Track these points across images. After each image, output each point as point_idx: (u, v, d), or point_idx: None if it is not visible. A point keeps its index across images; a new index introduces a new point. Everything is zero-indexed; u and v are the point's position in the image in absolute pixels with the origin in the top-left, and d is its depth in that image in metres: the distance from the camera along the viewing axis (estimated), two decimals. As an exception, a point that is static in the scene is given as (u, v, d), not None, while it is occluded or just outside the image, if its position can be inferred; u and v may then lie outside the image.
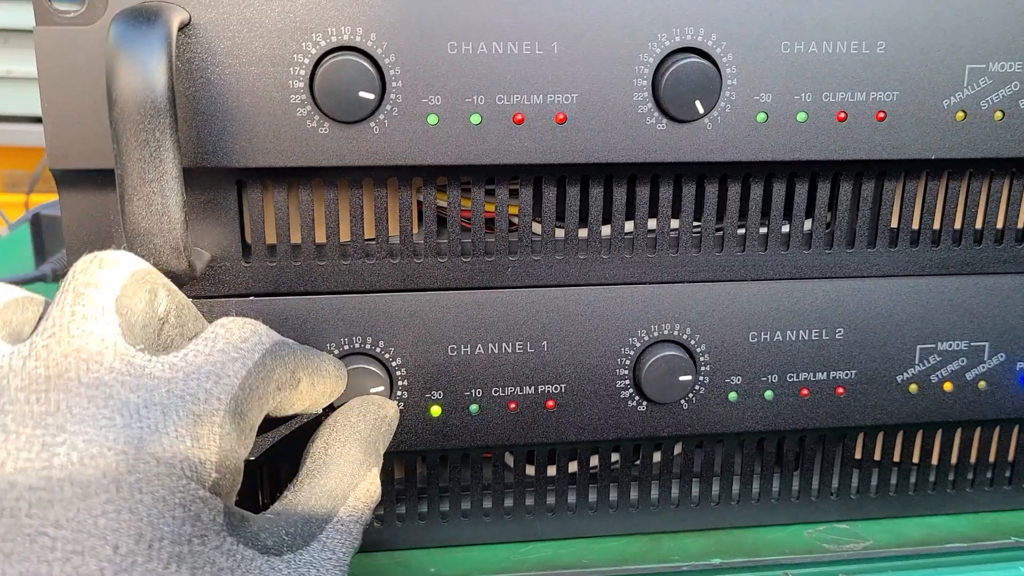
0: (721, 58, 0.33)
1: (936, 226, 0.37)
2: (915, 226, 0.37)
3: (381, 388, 0.34)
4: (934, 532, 0.39)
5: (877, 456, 0.40)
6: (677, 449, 0.39)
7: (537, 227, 0.35)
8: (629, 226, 0.36)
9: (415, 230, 0.35)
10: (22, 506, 0.22)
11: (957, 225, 0.37)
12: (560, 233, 0.35)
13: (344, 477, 0.29)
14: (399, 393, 0.35)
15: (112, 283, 0.26)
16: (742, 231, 0.36)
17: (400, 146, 0.32)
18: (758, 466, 0.39)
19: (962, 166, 0.36)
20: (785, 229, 0.36)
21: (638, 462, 0.38)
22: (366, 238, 0.35)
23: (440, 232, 0.35)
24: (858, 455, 0.40)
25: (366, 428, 0.31)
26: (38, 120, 1.75)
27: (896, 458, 0.40)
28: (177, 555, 0.23)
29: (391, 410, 0.33)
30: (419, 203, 0.35)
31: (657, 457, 0.38)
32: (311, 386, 0.30)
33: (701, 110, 0.33)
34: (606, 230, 0.35)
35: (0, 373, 0.24)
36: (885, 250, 0.37)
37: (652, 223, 0.36)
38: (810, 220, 0.37)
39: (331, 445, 0.30)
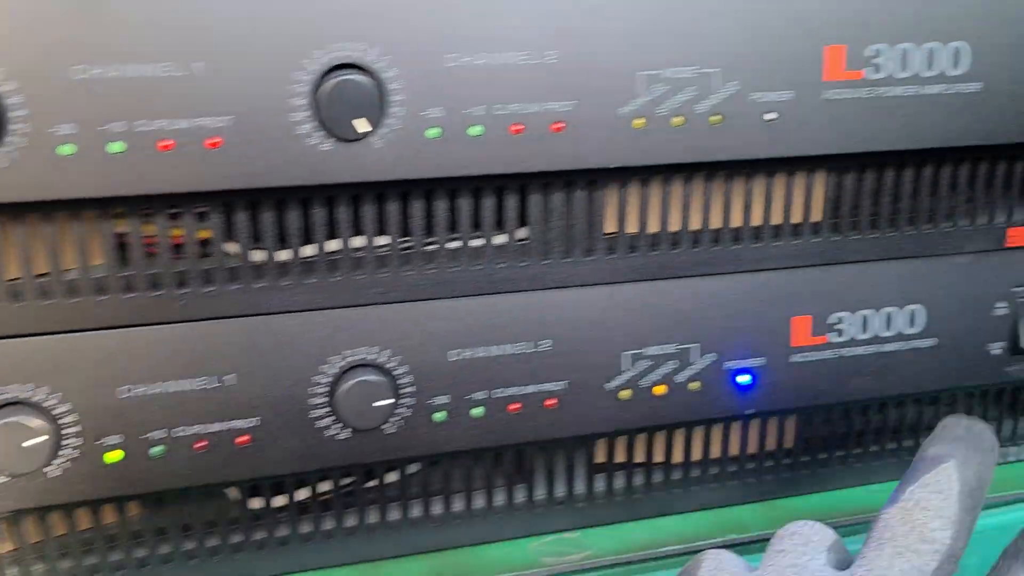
0: (383, 73, 0.31)
1: (634, 231, 0.37)
2: (610, 231, 0.37)
3: (45, 438, 0.32)
4: (657, 536, 0.39)
5: (601, 459, 0.40)
6: (413, 468, 0.38)
7: (215, 257, 0.33)
8: (309, 250, 0.34)
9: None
10: None
11: (655, 229, 0.37)
12: (237, 260, 0.33)
13: None
14: (69, 441, 0.33)
15: None
16: (434, 247, 0.35)
17: (33, 178, 0.30)
18: (482, 481, 0.39)
19: (647, 172, 0.36)
20: (477, 243, 0.35)
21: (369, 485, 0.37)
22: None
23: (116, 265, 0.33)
24: (595, 460, 0.40)
25: None
26: None
27: (622, 460, 0.40)
28: None
29: None
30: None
31: (375, 481, 0.37)
32: None
33: (366, 128, 0.31)
34: (284, 254, 0.34)
35: None
36: (583, 259, 0.36)
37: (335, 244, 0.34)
38: (505, 234, 0.36)
39: None
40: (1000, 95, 0.37)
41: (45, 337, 0.32)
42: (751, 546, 0.39)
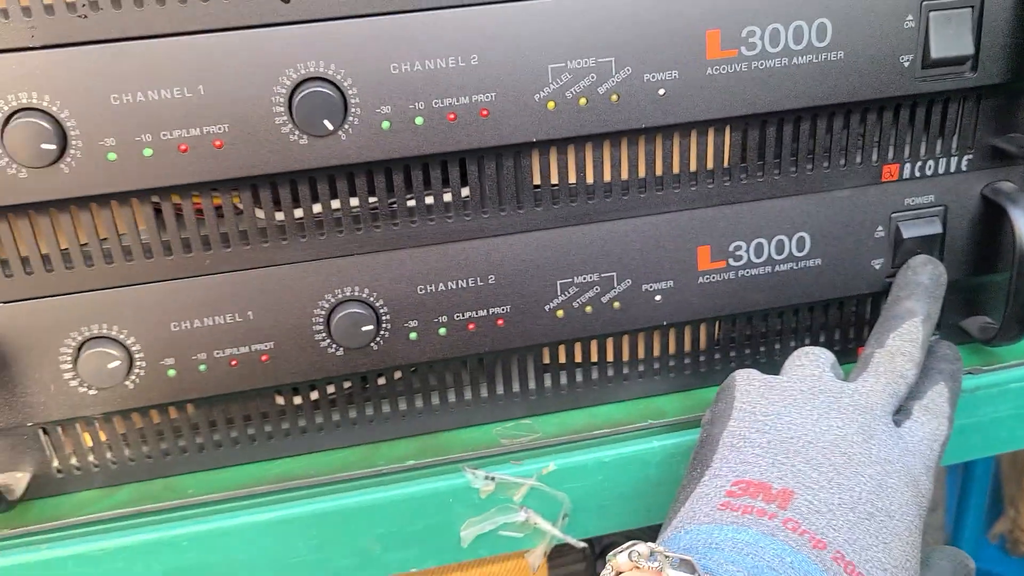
0: (343, 83, 0.41)
1: (557, 184, 0.46)
2: (536, 186, 0.46)
3: (119, 363, 0.44)
4: (594, 421, 0.50)
5: (547, 361, 0.50)
6: (398, 374, 0.49)
7: (249, 220, 0.44)
8: (300, 212, 0.44)
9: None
10: None
11: (573, 182, 0.46)
12: (262, 223, 0.44)
13: None
14: (140, 362, 0.45)
15: None
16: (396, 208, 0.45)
17: (89, 179, 0.40)
18: (454, 382, 0.50)
19: (562, 144, 0.44)
20: (429, 201, 0.45)
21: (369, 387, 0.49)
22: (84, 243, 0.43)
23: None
24: (544, 362, 0.51)
25: None
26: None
27: (563, 362, 0.50)
28: None
29: None
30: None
31: (374, 384, 0.49)
32: None
33: (331, 127, 0.41)
34: (283, 217, 0.44)
35: None
36: (515, 211, 0.46)
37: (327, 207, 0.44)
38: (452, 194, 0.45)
39: None
40: (860, 59, 0.44)
41: (116, 290, 0.44)
42: (669, 427, 0.49)
